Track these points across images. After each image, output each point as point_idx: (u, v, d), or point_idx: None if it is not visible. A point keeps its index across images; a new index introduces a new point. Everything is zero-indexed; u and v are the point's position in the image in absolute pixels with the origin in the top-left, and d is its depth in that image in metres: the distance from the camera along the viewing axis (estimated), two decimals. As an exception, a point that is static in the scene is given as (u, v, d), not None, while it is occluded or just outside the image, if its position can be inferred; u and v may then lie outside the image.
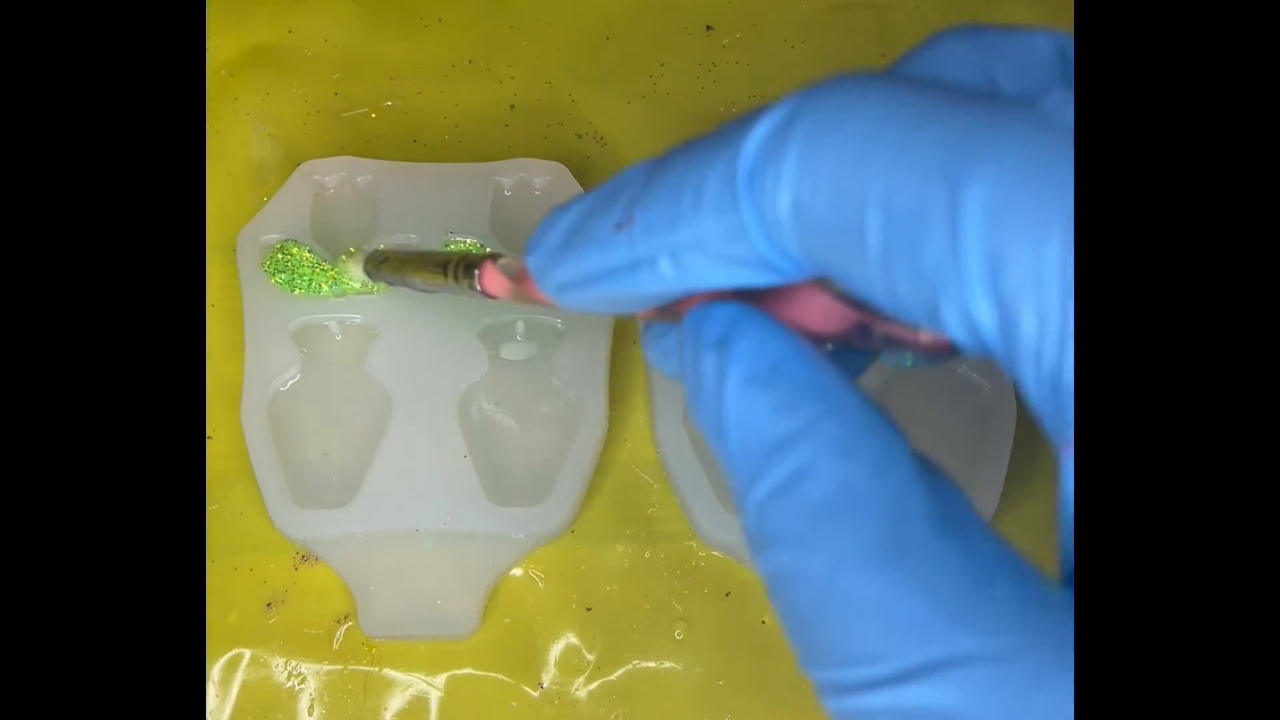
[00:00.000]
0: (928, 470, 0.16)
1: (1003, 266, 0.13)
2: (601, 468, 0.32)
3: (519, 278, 0.22)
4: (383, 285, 0.32)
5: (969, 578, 0.14)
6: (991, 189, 0.13)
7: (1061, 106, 0.14)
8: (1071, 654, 0.13)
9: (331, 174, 0.34)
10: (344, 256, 0.31)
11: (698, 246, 0.16)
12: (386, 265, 0.29)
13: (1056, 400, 0.14)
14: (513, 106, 0.36)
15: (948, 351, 0.17)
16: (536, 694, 0.30)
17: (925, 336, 0.16)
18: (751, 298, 0.17)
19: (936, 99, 0.14)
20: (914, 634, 0.14)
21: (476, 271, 0.23)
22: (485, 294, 0.23)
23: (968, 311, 0.14)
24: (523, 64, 0.37)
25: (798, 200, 0.15)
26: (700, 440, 0.31)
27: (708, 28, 0.37)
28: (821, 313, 0.17)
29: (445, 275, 0.25)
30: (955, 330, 0.14)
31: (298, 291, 0.32)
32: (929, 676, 0.14)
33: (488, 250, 0.24)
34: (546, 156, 0.34)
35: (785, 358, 0.16)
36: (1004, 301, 0.13)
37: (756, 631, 0.31)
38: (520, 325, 0.32)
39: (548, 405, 0.32)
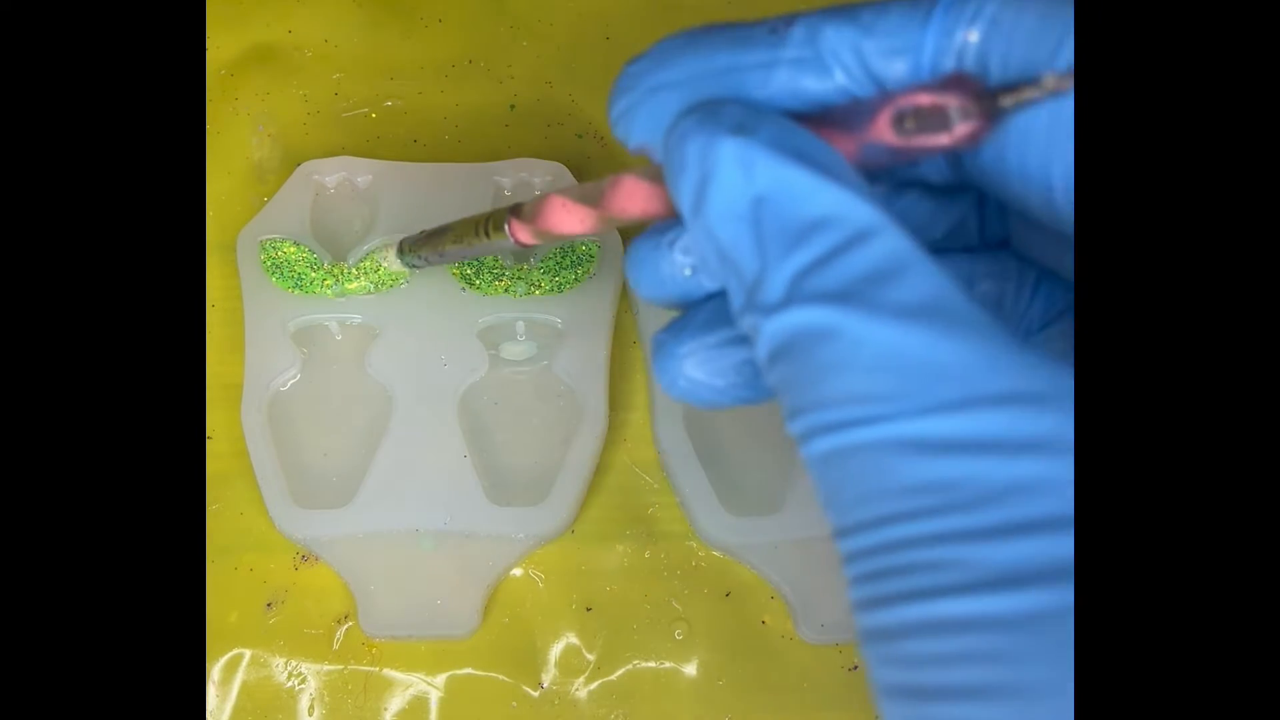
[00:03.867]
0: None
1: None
2: (601, 468, 0.32)
3: (589, 196, 0.21)
4: (381, 285, 0.32)
5: (1004, 338, 0.15)
6: None
7: None
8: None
9: (331, 174, 0.34)
10: (375, 255, 0.32)
11: (855, 52, 0.17)
12: (420, 246, 0.29)
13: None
14: (513, 106, 0.36)
15: (973, 139, 0.16)
16: (536, 694, 0.30)
17: (962, 128, 0.16)
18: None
19: None
20: (951, 376, 0.14)
21: (506, 225, 0.24)
22: (518, 243, 0.24)
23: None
24: (523, 64, 0.37)
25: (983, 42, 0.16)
26: (700, 440, 0.31)
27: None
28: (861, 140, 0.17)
29: (477, 235, 0.26)
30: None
31: (297, 291, 0.32)
32: (964, 410, 0.14)
33: (503, 209, 0.24)
34: (546, 156, 0.34)
35: (811, 144, 0.16)
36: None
37: (756, 631, 0.31)
38: (520, 325, 0.32)
39: (548, 405, 0.32)
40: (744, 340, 0.20)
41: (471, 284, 0.32)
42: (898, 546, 0.15)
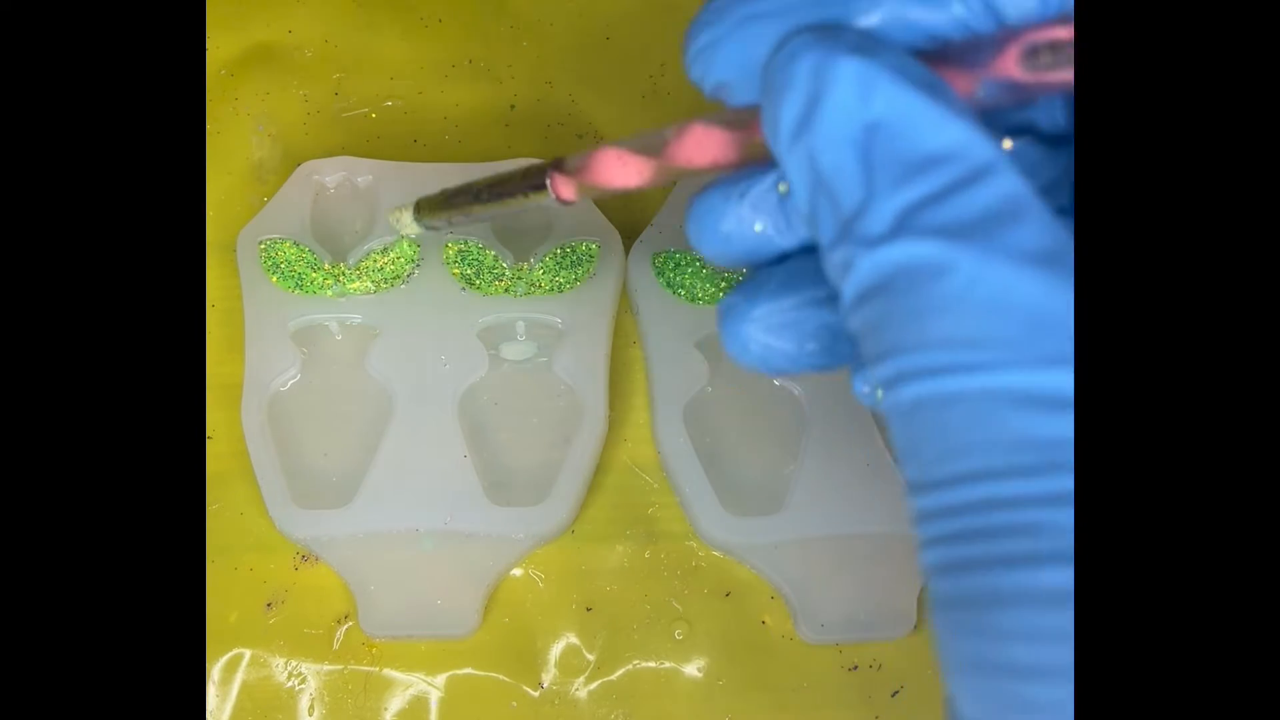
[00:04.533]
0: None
1: None
2: (601, 468, 0.32)
3: (650, 146, 0.20)
4: (382, 285, 0.32)
5: None
6: None
7: None
8: None
9: (331, 174, 0.34)
10: (390, 216, 0.30)
11: None
12: (437, 207, 0.28)
13: None
14: (513, 106, 0.36)
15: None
16: (536, 694, 0.30)
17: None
18: None
19: None
20: (1069, 328, 0.14)
21: (548, 181, 0.22)
22: (561, 201, 0.22)
23: None
24: (523, 64, 0.37)
25: None
26: (700, 440, 0.31)
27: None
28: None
29: (513, 195, 0.24)
30: None
31: (297, 291, 0.32)
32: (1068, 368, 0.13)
33: (538, 162, 0.23)
34: (546, 156, 0.34)
35: (934, 77, 0.15)
36: None
37: (756, 631, 0.31)
38: (520, 325, 0.32)
39: (548, 405, 0.32)
40: (824, 303, 0.19)
41: (471, 284, 0.32)
42: (991, 506, 0.14)
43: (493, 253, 0.32)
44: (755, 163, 0.18)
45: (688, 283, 0.32)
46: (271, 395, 0.32)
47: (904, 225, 0.15)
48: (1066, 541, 0.13)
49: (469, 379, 0.31)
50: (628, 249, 0.33)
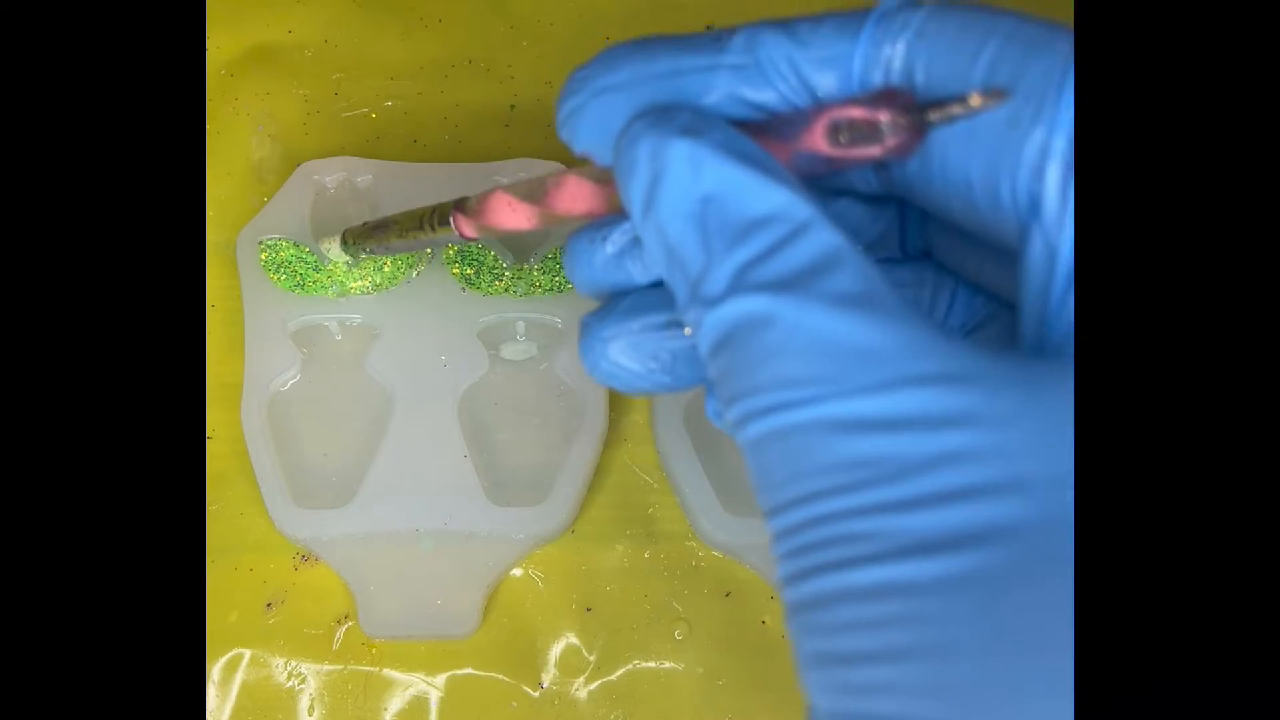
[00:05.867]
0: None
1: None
2: (601, 468, 0.32)
3: (533, 193, 0.22)
4: (382, 285, 0.32)
5: (928, 328, 0.16)
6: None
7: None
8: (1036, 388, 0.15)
9: (331, 174, 0.34)
10: (322, 244, 0.31)
11: (790, 61, 0.18)
12: (364, 238, 0.29)
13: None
14: (513, 106, 0.36)
15: (902, 151, 0.17)
16: (536, 694, 0.30)
17: (892, 140, 0.17)
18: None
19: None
20: (878, 360, 0.15)
21: (451, 219, 0.24)
22: (463, 236, 0.24)
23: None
24: (523, 64, 0.37)
25: (909, 56, 0.17)
26: (700, 440, 0.31)
27: (708, 28, 0.37)
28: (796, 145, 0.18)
29: (422, 229, 0.26)
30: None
31: (298, 291, 0.32)
32: (889, 391, 0.15)
33: (446, 202, 0.25)
34: (546, 156, 0.34)
35: (754, 148, 0.17)
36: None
37: (756, 631, 0.31)
38: (520, 325, 0.32)
39: (548, 405, 0.32)
40: (664, 328, 0.21)
41: (471, 284, 0.32)
42: (822, 521, 0.15)
43: (493, 253, 0.32)
44: (621, 212, 0.20)
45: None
46: (271, 395, 0.32)
47: (737, 285, 0.16)
48: (880, 545, 0.15)
49: (469, 379, 0.31)
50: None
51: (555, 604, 0.31)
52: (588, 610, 0.31)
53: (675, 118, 0.18)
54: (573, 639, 0.30)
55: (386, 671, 0.30)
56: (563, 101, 0.20)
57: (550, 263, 0.32)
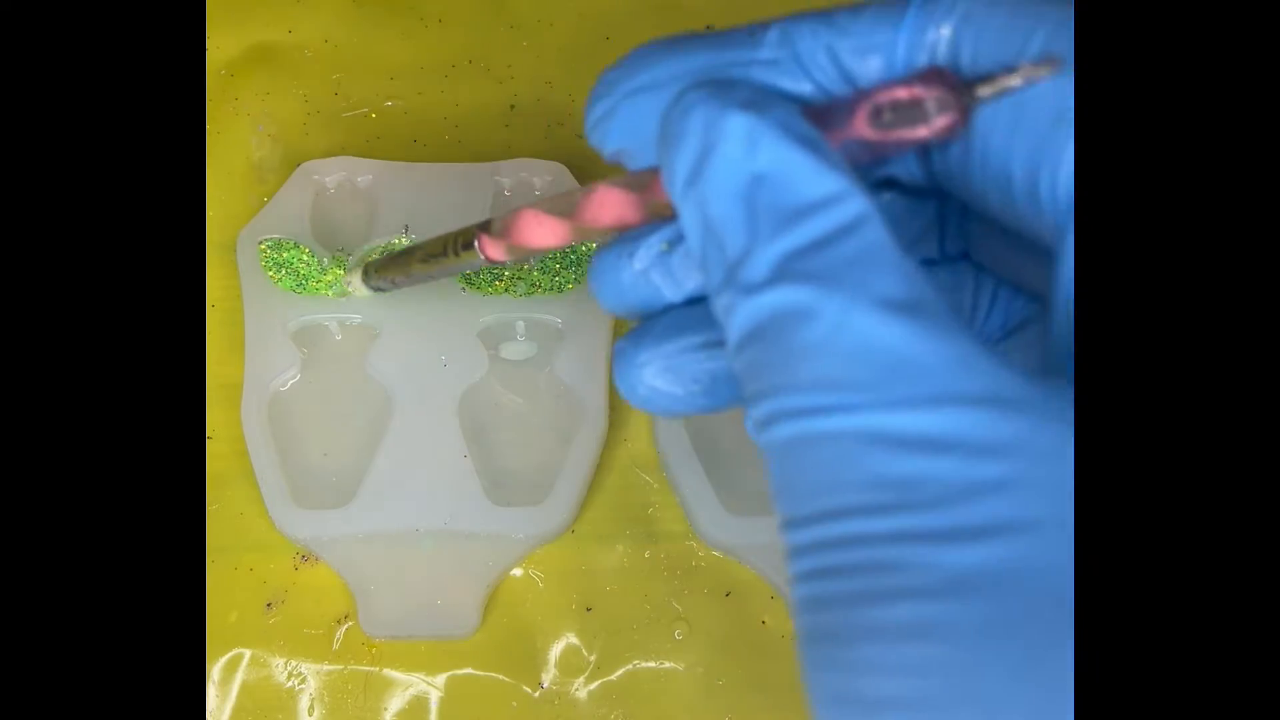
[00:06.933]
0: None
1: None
2: (601, 468, 0.32)
3: (562, 208, 0.21)
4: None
5: (977, 344, 0.15)
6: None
7: None
8: (1071, 412, 0.14)
9: (331, 174, 0.34)
10: (341, 279, 0.31)
11: (829, 51, 0.17)
12: (386, 269, 0.29)
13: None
14: (513, 106, 0.36)
15: (949, 131, 0.17)
16: (536, 694, 0.30)
17: (940, 119, 0.17)
18: None
19: None
20: (925, 373, 0.14)
21: (476, 242, 0.23)
22: (489, 259, 0.23)
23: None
24: (523, 64, 0.37)
25: (956, 35, 0.17)
26: (700, 440, 0.31)
27: (708, 28, 0.37)
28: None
29: (445, 255, 0.25)
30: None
31: (298, 291, 0.32)
32: (934, 407, 0.14)
33: (471, 226, 0.24)
34: (546, 156, 0.34)
35: (815, 134, 0.16)
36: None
37: (756, 631, 0.31)
38: (520, 325, 0.32)
39: (548, 405, 0.32)
40: (703, 349, 0.20)
41: (471, 284, 0.32)
42: (851, 543, 0.14)
43: (493, 253, 0.32)
44: (657, 221, 0.20)
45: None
46: (271, 395, 0.32)
47: (780, 273, 0.16)
48: (915, 578, 0.14)
49: (469, 379, 0.31)
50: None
51: (555, 604, 0.31)
52: (588, 610, 0.31)
53: (736, 90, 0.17)
54: (573, 639, 0.30)
55: (386, 671, 0.30)
56: (593, 105, 0.19)
57: (550, 263, 0.32)
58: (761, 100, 0.17)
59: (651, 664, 0.30)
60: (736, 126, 0.16)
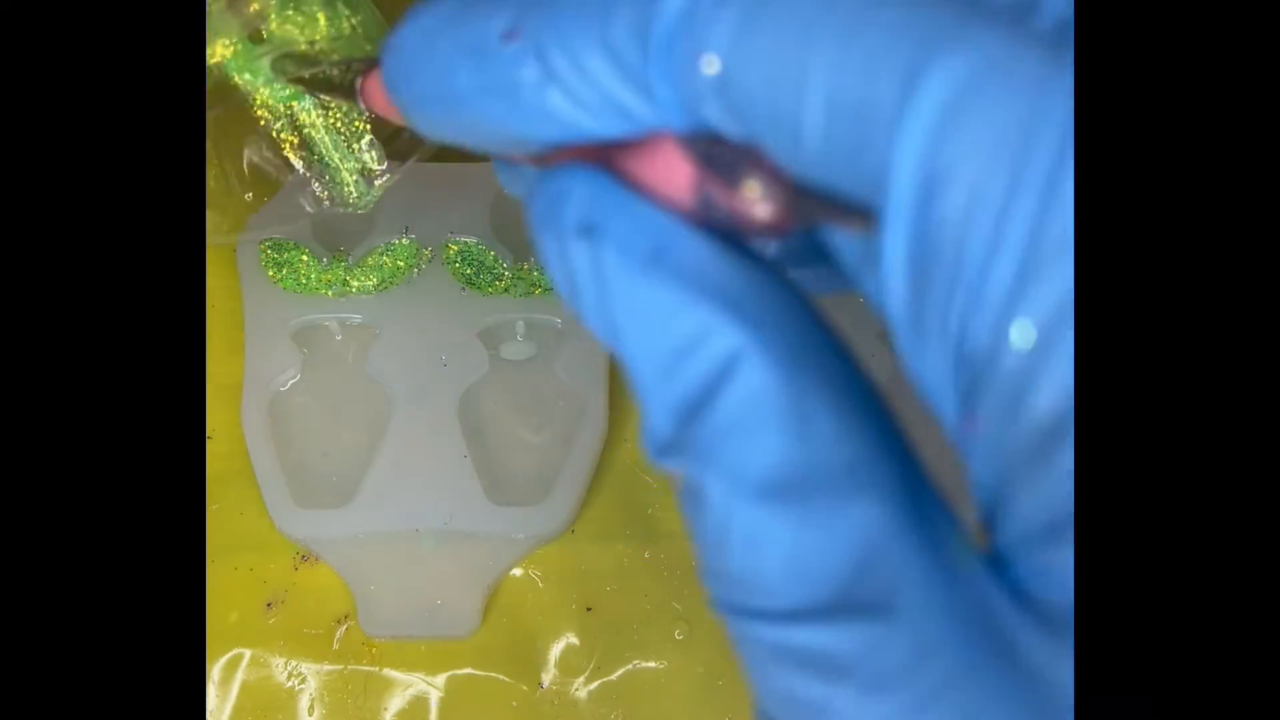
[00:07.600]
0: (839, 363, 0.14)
1: (939, 189, 0.11)
2: (601, 468, 0.32)
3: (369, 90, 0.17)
4: (382, 284, 0.32)
5: (880, 515, 0.13)
6: (948, 89, 0.11)
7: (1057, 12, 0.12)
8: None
9: (331, 174, 0.34)
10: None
11: (591, 82, 0.13)
12: (290, 60, 0.26)
13: (961, 372, 0.12)
14: (513, 106, 0.36)
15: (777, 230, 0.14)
16: (536, 694, 0.30)
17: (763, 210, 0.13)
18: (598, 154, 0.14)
19: None
20: (809, 578, 0.12)
21: (359, 82, 0.19)
22: (370, 111, 0.19)
23: (896, 236, 0.12)
24: (523, 64, 0.37)
25: (726, 75, 0.12)
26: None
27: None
28: (681, 177, 0.14)
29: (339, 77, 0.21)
30: (891, 250, 0.12)
31: (298, 291, 0.32)
32: (823, 621, 0.12)
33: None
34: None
35: (669, 237, 0.14)
36: (928, 235, 0.12)
37: (756, 631, 0.31)
38: (520, 325, 0.32)
39: (548, 405, 0.32)
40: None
41: (471, 284, 0.32)
42: None
43: (493, 253, 0.32)
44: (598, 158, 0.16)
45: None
46: (271, 395, 0.32)
47: (679, 438, 0.13)
48: None
49: (469, 379, 0.31)
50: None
51: (555, 604, 0.31)
52: (588, 610, 0.31)
53: (570, 205, 0.14)
54: (573, 639, 0.30)
55: (386, 671, 0.30)
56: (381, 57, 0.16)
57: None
58: (599, 212, 0.14)
59: (651, 664, 0.30)
60: (581, 263, 0.14)
